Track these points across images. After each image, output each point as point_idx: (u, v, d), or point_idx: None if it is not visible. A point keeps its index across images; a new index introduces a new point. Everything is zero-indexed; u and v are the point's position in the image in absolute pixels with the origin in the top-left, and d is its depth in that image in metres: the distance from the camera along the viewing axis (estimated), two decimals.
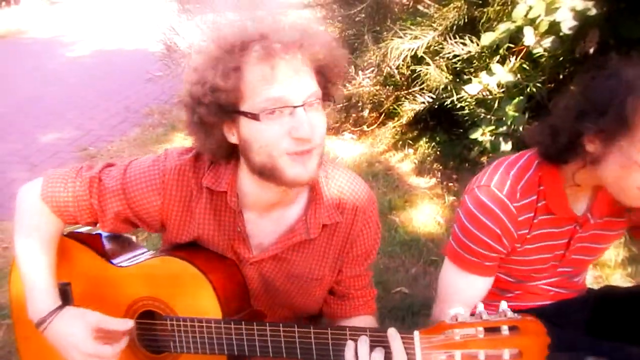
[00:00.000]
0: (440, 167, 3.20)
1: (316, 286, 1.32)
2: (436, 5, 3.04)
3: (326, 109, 1.17)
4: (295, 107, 1.06)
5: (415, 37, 3.06)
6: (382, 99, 3.78)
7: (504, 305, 1.02)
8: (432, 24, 3.02)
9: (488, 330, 1.00)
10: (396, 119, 3.84)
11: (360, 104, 3.85)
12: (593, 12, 2.40)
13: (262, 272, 1.29)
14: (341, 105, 4.02)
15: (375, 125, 3.89)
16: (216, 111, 1.10)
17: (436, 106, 3.33)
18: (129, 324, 1.21)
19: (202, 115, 1.11)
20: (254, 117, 1.07)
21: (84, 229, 1.40)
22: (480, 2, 2.93)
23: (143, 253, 1.37)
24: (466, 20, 2.97)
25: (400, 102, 3.69)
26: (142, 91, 5.38)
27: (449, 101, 3.04)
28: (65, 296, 1.27)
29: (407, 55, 3.10)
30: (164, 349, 1.24)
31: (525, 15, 2.55)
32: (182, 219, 1.26)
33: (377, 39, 3.45)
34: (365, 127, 3.91)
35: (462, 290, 1.41)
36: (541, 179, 1.36)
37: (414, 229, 2.55)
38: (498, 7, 2.82)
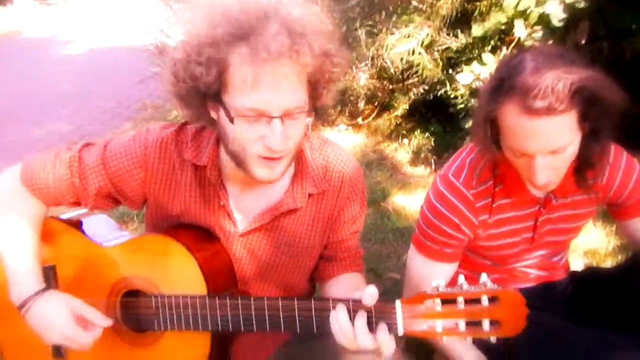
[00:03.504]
0: (435, 157, 3.20)
1: (306, 256, 1.32)
2: (429, 0, 3.05)
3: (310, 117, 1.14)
4: (272, 117, 1.04)
5: (409, 36, 3.06)
6: (377, 92, 3.79)
7: (484, 277, 1.02)
8: (426, 19, 3.03)
9: (468, 301, 1.00)
10: (391, 111, 3.85)
11: (354, 97, 3.85)
12: (582, 4, 2.41)
13: (250, 247, 1.29)
14: (336, 98, 4.03)
15: (371, 117, 3.90)
16: (196, 94, 1.09)
17: (430, 98, 3.35)
18: (109, 322, 1.20)
19: (182, 92, 1.11)
20: (229, 118, 1.06)
21: (68, 215, 1.39)
22: None
23: (127, 235, 1.37)
24: (459, 14, 2.98)
25: (394, 95, 3.70)
26: (134, 87, 5.35)
27: (442, 92, 3.06)
28: (50, 279, 1.26)
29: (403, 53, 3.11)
30: (147, 327, 1.23)
31: (515, 7, 2.56)
32: (165, 193, 1.25)
33: (371, 34, 3.46)
34: (360, 120, 3.91)
35: (425, 276, 1.42)
36: (497, 164, 1.36)
37: (406, 217, 2.55)
38: (490, 0, 2.83)
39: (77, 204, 1.28)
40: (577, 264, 2.03)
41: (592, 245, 2.21)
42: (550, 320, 1.40)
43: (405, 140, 3.54)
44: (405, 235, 2.37)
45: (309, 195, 1.26)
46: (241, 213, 1.27)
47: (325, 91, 1.15)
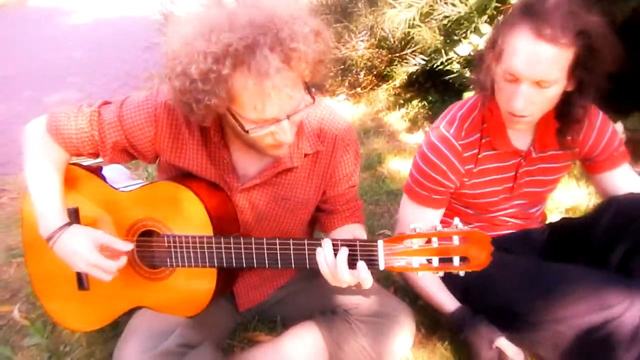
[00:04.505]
0: (430, 125, 3.29)
1: (302, 209, 1.46)
2: None
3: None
4: (280, 120, 1.17)
5: (410, 6, 3.13)
6: (377, 62, 3.87)
7: (456, 220, 1.16)
8: None
9: (441, 241, 1.15)
10: (390, 81, 3.94)
11: (354, 67, 3.94)
12: None
13: (252, 200, 1.43)
14: (336, 69, 4.13)
15: (370, 87, 3.99)
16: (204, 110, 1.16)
17: (428, 68, 3.43)
18: (129, 246, 1.35)
19: (188, 109, 1.17)
20: (243, 129, 1.18)
21: (88, 162, 1.53)
22: None
23: (142, 182, 1.51)
24: None
25: (394, 65, 3.78)
26: (141, 57, 5.46)
27: (439, 62, 3.15)
28: (73, 220, 1.40)
29: (401, 22, 3.17)
30: (161, 264, 1.38)
31: None
32: (174, 150, 1.38)
33: (372, 3, 3.54)
34: (359, 90, 4.00)
35: (414, 221, 1.55)
36: (484, 117, 1.50)
37: (400, 180, 2.67)
38: None
39: (96, 155, 1.42)
40: (543, 207, 2.15)
41: (574, 203, 2.34)
42: (523, 260, 1.56)
43: (403, 110, 3.64)
44: (398, 196, 2.48)
45: (305, 155, 1.39)
46: (243, 170, 1.41)
47: (319, 75, 1.22)
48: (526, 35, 1.28)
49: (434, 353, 1.59)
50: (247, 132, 1.18)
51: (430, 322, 1.68)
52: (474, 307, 1.54)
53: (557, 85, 1.33)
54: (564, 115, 1.44)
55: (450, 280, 1.55)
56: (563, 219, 1.78)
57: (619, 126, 2.80)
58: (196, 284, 1.36)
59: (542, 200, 1.70)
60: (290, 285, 1.61)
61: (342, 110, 3.78)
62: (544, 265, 1.50)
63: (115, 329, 1.60)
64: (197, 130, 1.36)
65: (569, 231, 1.64)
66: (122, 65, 5.43)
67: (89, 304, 1.46)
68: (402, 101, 3.74)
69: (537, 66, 1.29)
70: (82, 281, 1.45)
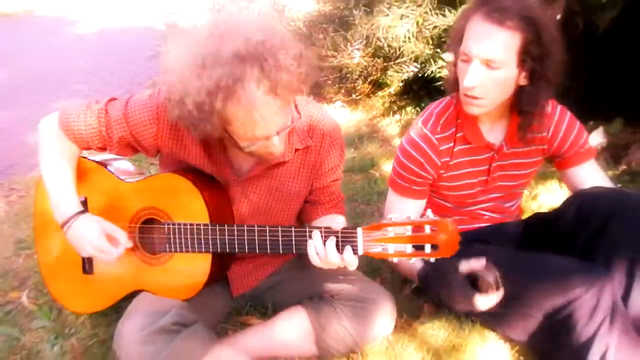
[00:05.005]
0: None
1: (294, 200, 1.59)
2: None
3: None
4: (271, 137, 1.31)
5: (402, 17, 3.27)
6: (372, 70, 4.00)
7: (428, 211, 1.29)
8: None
9: (414, 229, 1.27)
10: (386, 88, 4.07)
11: (350, 75, 4.07)
12: None
13: (247, 193, 1.55)
14: (333, 76, 4.27)
15: (366, 94, 4.12)
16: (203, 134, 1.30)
17: (420, 75, 3.56)
18: (129, 243, 1.48)
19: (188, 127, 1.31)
20: (238, 146, 1.33)
21: (97, 157, 1.65)
22: None
23: (146, 174, 1.64)
24: None
25: (388, 73, 3.91)
26: (145, 66, 5.61)
27: (429, 70, 3.28)
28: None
29: (399, 36, 3.31)
30: (161, 250, 1.51)
31: None
32: (174, 145, 1.51)
33: (367, 13, 3.68)
34: (355, 97, 4.14)
35: (397, 211, 1.66)
36: (459, 113, 1.63)
37: None
38: None
39: (104, 149, 1.55)
40: (519, 202, 2.26)
41: (556, 203, 2.44)
42: (497, 250, 1.67)
43: (397, 116, 3.77)
44: None
45: (295, 150, 1.52)
46: (239, 164, 1.53)
47: (305, 90, 1.32)
48: (478, 19, 1.45)
49: (414, 337, 1.70)
50: (241, 149, 1.33)
51: (412, 310, 1.80)
52: None
53: (505, 69, 1.46)
54: (522, 110, 1.57)
55: None
56: (536, 213, 1.90)
57: (601, 131, 2.94)
58: (192, 269, 1.48)
59: (517, 196, 1.82)
60: (280, 274, 1.72)
61: (338, 116, 3.91)
62: (516, 254, 1.62)
63: (117, 313, 1.71)
64: None
65: (541, 223, 1.76)
66: (126, 73, 5.59)
67: (92, 287, 1.59)
68: (396, 108, 3.87)
69: (484, 44, 1.43)
70: (86, 266, 1.57)
